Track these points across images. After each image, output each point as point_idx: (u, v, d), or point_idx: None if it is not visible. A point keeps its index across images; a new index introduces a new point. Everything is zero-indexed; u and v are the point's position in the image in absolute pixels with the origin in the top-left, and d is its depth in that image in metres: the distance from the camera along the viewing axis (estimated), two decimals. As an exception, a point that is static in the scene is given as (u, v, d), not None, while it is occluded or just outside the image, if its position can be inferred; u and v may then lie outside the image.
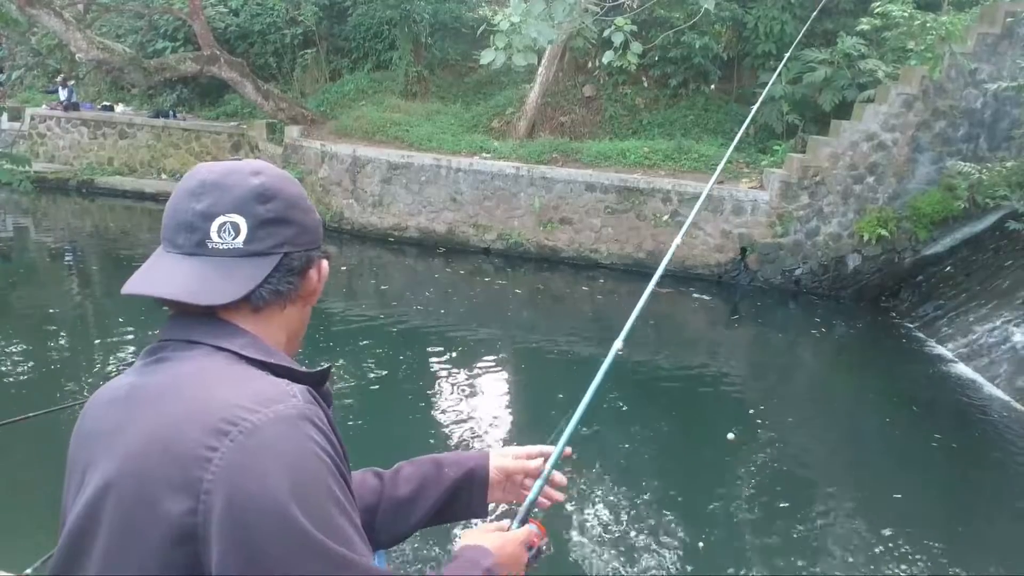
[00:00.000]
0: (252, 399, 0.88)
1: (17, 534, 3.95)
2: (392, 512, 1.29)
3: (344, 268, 10.35)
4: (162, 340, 1.00)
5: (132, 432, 0.90)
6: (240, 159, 1.06)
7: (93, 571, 0.89)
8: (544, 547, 1.28)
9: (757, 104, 3.44)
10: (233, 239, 0.96)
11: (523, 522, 1.29)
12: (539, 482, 1.36)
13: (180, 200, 0.99)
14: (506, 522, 1.28)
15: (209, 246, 0.96)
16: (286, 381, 0.94)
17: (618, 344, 1.58)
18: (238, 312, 0.99)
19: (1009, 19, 9.17)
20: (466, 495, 1.34)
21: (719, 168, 2.59)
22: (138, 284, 0.96)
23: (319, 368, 1.03)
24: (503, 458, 1.39)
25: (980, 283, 8.62)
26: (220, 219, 0.96)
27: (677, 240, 1.91)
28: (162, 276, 0.95)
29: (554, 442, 1.43)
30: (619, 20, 6.30)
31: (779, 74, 5.39)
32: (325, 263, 1.09)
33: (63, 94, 15.21)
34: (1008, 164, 8.92)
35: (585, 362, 7.41)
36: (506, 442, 5.61)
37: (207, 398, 0.89)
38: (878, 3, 9.70)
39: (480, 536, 1.22)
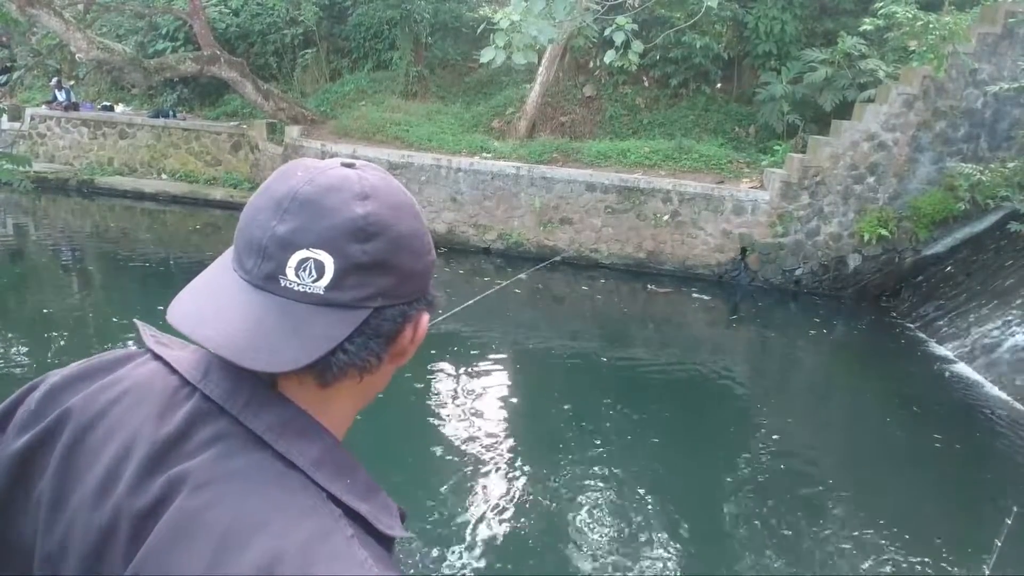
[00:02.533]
0: None
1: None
2: None
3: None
4: (210, 397, 0.76)
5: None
6: (352, 161, 0.83)
7: None
8: None
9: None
10: (314, 281, 0.73)
11: None
12: None
13: (261, 209, 0.76)
14: None
15: (282, 283, 0.74)
16: (368, 559, 0.69)
17: None
18: (300, 382, 0.77)
19: (1010, 20, 9.16)
20: None
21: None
22: (185, 316, 0.75)
23: (401, 532, 0.77)
24: None
25: (981, 283, 8.61)
26: (302, 253, 0.73)
27: None
28: (216, 311, 0.74)
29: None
30: (620, 19, 6.30)
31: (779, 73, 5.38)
32: (425, 318, 0.86)
33: (60, 95, 15.20)
34: (1009, 165, 8.92)
35: (584, 362, 7.40)
36: (504, 442, 5.61)
37: (264, 567, 0.65)
38: (881, 3, 9.70)
39: None
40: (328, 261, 0.74)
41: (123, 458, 0.75)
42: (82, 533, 0.74)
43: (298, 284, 0.73)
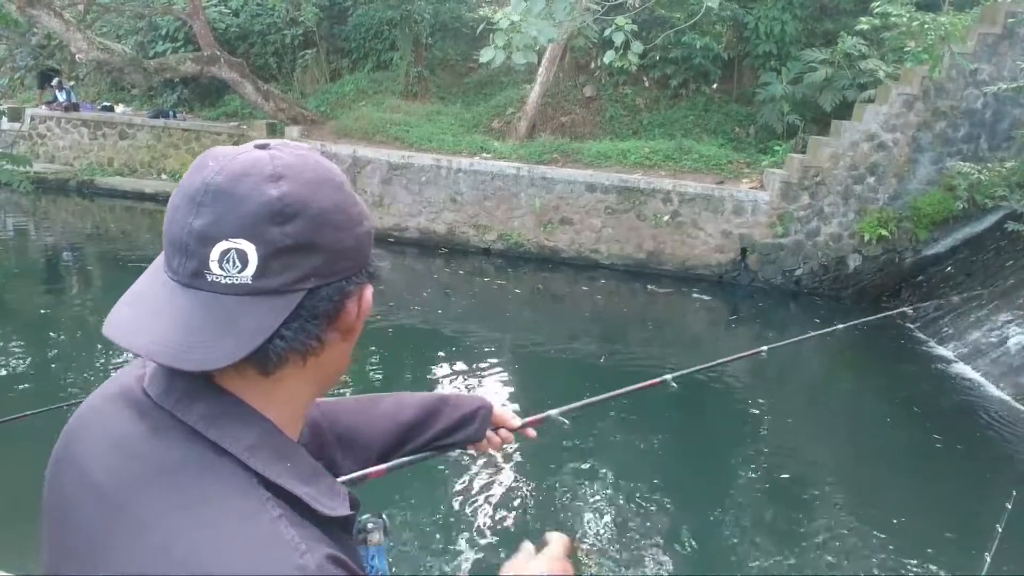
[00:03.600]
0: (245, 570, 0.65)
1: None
2: (397, 436, 1.28)
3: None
4: (148, 392, 0.79)
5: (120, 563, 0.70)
6: (266, 143, 0.80)
7: None
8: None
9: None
10: (239, 272, 0.72)
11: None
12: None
13: (178, 207, 0.75)
14: (528, 544, 1.16)
15: (209, 279, 0.72)
16: (295, 537, 0.69)
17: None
18: (241, 376, 0.76)
19: (1011, 20, 9.16)
20: (470, 424, 1.36)
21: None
22: (119, 327, 0.75)
23: (345, 511, 0.77)
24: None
25: (981, 283, 8.61)
26: (223, 245, 0.72)
27: None
28: (150, 317, 0.74)
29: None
30: (619, 20, 6.30)
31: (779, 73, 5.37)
32: (369, 291, 0.82)
33: (60, 96, 15.20)
34: (1008, 164, 8.92)
35: (584, 362, 7.40)
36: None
37: (184, 560, 0.66)
38: (877, 3, 9.70)
39: (523, 567, 1.08)
40: (250, 249, 0.72)
41: (94, 462, 0.78)
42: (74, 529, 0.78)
43: (224, 277, 0.72)
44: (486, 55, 6.19)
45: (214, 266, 0.72)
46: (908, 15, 9.20)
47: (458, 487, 4.95)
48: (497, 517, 4.59)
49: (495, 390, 6.74)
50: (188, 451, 0.73)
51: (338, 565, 0.70)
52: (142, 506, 0.71)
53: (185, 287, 0.73)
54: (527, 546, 1.12)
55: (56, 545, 0.79)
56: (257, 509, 0.70)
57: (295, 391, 0.80)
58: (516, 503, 4.80)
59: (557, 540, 1.11)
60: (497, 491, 4.89)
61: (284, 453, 0.76)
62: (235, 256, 0.72)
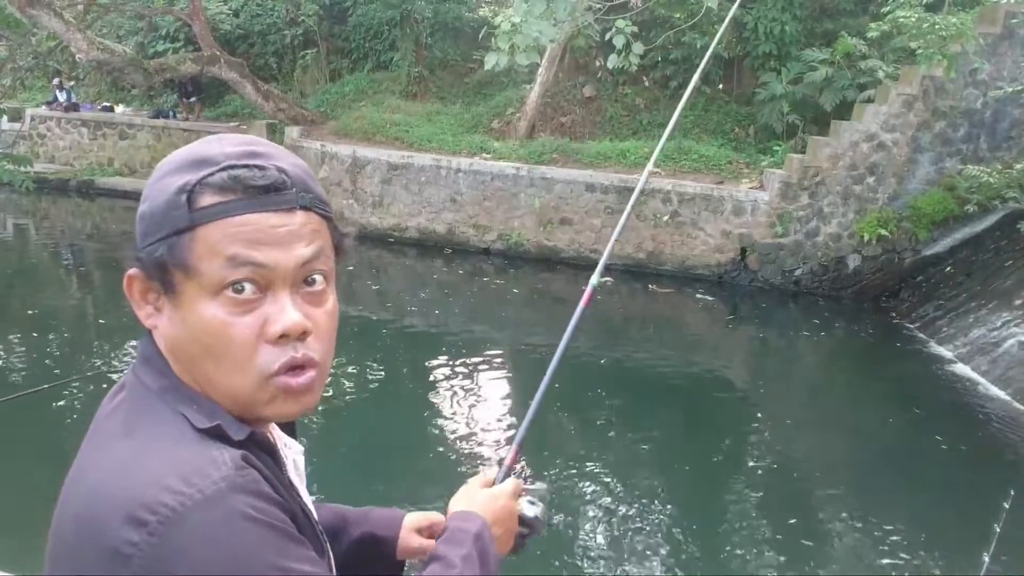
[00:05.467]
0: (174, 475, 0.73)
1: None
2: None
3: (346, 268, 10.34)
4: None
5: (68, 507, 0.79)
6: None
7: None
8: (531, 483, 1.21)
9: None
10: None
11: (505, 478, 1.22)
12: (518, 438, 1.30)
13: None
14: (492, 474, 1.21)
15: None
16: (215, 444, 0.77)
17: (594, 280, 1.54)
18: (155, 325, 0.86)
19: (1013, 20, 9.16)
20: (370, 554, 1.19)
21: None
22: None
23: (247, 431, 0.82)
24: (422, 517, 1.25)
25: (980, 283, 8.62)
26: None
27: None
28: None
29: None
30: (620, 21, 6.30)
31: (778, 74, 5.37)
32: (130, 272, 0.87)
33: (61, 96, 15.21)
34: (1017, 167, 8.92)
35: (584, 362, 7.40)
36: (503, 442, 5.61)
37: (127, 472, 0.75)
38: (887, 8, 9.65)
39: (467, 497, 1.14)
40: None
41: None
42: None
43: None
44: (489, 61, 6.20)
45: None
46: (916, 16, 9.15)
47: (457, 487, 4.95)
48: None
49: (494, 390, 6.75)
50: (129, 391, 0.84)
51: (250, 464, 0.77)
52: (83, 450, 0.82)
53: None
54: (477, 479, 1.19)
55: None
56: (179, 433, 0.78)
57: (171, 348, 0.84)
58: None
59: (511, 482, 1.18)
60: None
61: (188, 395, 0.82)
62: None
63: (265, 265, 0.78)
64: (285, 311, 0.80)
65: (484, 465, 5.24)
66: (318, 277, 0.83)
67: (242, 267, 0.77)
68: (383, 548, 1.19)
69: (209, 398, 0.81)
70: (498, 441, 5.65)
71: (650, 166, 1.77)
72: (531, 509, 1.19)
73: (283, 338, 0.80)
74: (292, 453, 0.98)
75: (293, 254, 0.80)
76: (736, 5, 2.64)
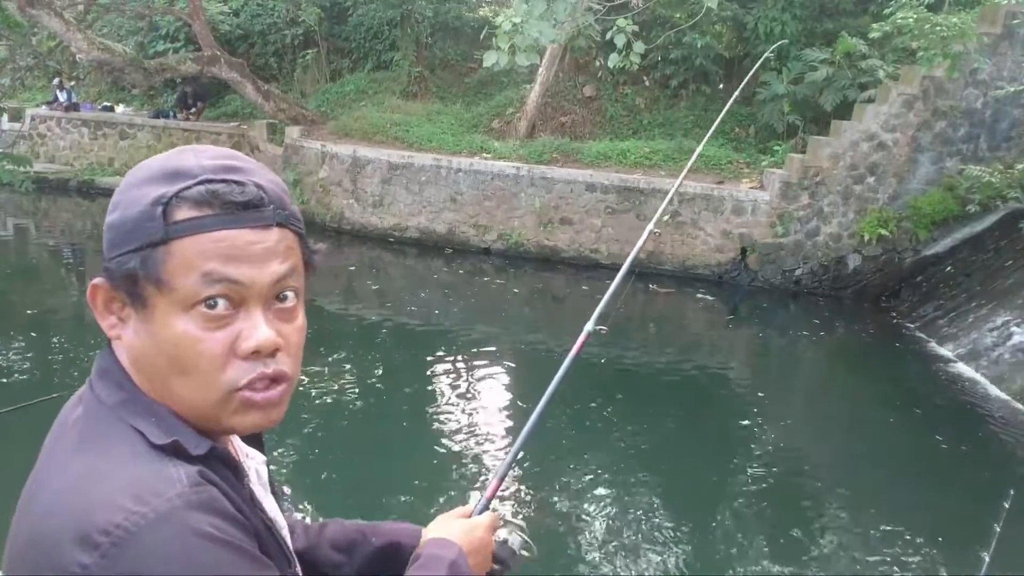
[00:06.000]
0: (127, 494, 0.71)
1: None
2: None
3: (347, 268, 10.35)
4: None
5: (22, 526, 0.78)
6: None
7: None
8: (511, 538, 1.20)
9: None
10: None
11: (483, 510, 1.22)
12: (500, 473, 1.30)
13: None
14: (471, 505, 1.22)
15: None
16: (171, 461, 0.76)
17: (589, 327, 1.55)
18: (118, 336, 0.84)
19: (1014, 20, 9.15)
20: (393, 563, 1.19)
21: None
22: None
23: (208, 445, 0.81)
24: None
25: (980, 283, 8.62)
26: None
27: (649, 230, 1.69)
28: None
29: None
30: (620, 21, 6.30)
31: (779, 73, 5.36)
32: (95, 281, 0.82)
33: (61, 96, 15.21)
34: (1019, 167, 8.91)
35: (584, 362, 7.39)
36: (503, 442, 5.61)
37: (79, 490, 0.74)
38: (889, 9, 9.64)
39: (444, 526, 1.15)
40: None
41: None
42: None
43: None
44: (489, 59, 6.19)
45: None
46: (917, 17, 9.14)
47: (457, 487, 4.95)
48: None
49: (494, 390, 6.75)
50: (85, 406, 0.82)
51: (207, 481, 0.76)
52: (38, 467, 0.81)
53: None
54: (456, 510, 1.20)
55: None
56: (135, 451, 0.76)
57: (135, 360, 0.82)
58: (513, 505, 4.80)
59: (488, 515, 1.20)
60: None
61: (147, 409, 0.80)
62: None
63: (240, 282, 0.78)
64: (258, 328, 0.80)
65: (483, 466, 5.24)
66: (290, 293, 0.83)
67: (217, 283, 0.77)
68: (406, 556, 1.19)
69: (170, 410, 0.81)
70: (497, 441, 5.65)
71: (677, 185, 1.79)
72: (506, 546, 1.19)
73: (255, 354, 0.80)
74: (254, 464, 0.97)
75: (268, 271, 0.80)
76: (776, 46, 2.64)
